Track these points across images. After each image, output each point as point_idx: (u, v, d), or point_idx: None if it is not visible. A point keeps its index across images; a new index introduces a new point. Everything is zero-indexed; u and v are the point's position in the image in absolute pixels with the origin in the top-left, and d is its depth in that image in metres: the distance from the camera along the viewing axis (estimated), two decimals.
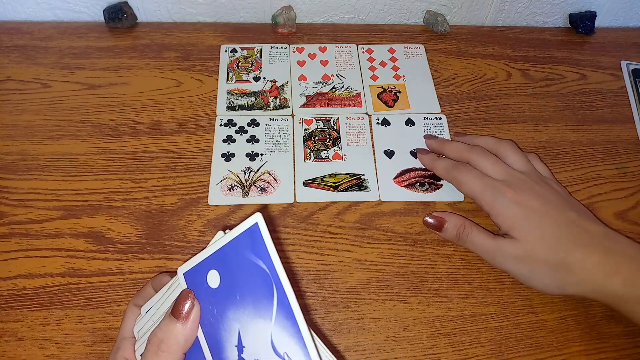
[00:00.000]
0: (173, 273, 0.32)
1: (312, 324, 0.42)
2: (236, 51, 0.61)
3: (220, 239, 0.28)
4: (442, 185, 0.50)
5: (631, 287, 0.37)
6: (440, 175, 0.48)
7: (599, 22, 0.67)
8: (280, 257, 0.26)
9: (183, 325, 0.28)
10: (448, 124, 0.55)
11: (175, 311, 0.28)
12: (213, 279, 0.28)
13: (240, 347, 0.27)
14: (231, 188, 0.49)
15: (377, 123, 0.55)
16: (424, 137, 0.53)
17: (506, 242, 0.40)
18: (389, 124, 0.55)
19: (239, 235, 0.27)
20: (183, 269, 0.30)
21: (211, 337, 0.28)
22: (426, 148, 0.52)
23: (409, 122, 0.55)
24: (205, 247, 0.29)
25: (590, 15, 0.65)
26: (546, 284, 0.40)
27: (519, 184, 0.42)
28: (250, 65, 0.59)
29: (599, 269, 0.38)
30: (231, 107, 0.55)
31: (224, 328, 0.27)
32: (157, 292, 0.34)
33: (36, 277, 0.44)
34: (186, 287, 0.29)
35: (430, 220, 0.45)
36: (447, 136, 0.54)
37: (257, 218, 0.26)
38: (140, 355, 0.31)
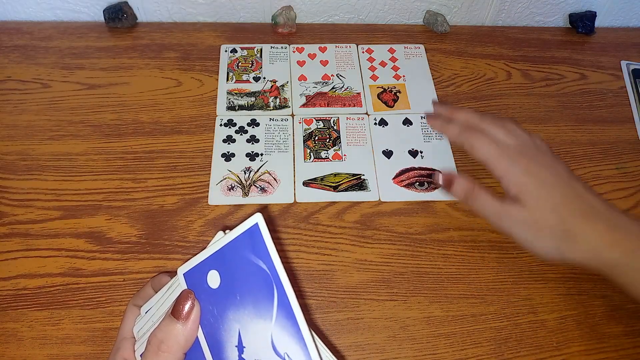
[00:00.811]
0: (172, 273, 0.32)
1: (312, 324, 0.42)
2: (236, 51, 0.61)
3: (220, 240, 0.28)
4: (441, 184, 0.50)
5: (630, 257, 0.39)
6: (452, 138, 0.48)
7: (599, 22, 0.67)
8: (280, 257, 0.26)
9: (183, 325, 0.28)
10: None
11: (175, 311, 0.28)
12: (213, 279, 0.28)
13: (240, 347, 0.27)
14: (231, 188, 0.49)
15: (375, 123, 0.55)
16: (432, 103, 0.56)
17: (515, 207, 0.42)
18: (386, 124, 0.55)
19: (239, 236, 0.27)
20: (183, 269, 0.30)
21: (211, 337, 0.28)
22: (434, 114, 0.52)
23: (407, 122, 0.55)
24: (205, 247, 0.29)
25: (590, 15, 0.65)
26: (548, 249, 0.41)
27: (529, 154, 0.44)
28: (250, 65, 0.59)
29: (602, 239, 0.40)
30: (231, 107, 0.55)
31: (224, 328, 0.27)
32: (156, 292, 0.34)
33: (36, 277, 0.44)
34: (186, 288, 0.29)
35: (440, 181, 0.47)
36: (445, 139, 0.54)
37: (257, 218, 0.26)
38: (140, 356, 0.31)
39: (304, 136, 0.53)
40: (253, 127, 0.54)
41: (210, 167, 0.51)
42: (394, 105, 0.57)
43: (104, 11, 0.62)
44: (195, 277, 0.29)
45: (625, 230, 0.40)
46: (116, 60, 0.59)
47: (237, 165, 0.51)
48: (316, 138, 0.53)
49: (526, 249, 0.42)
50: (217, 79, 0.58)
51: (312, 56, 0.61)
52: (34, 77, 0.57)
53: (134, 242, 0.46)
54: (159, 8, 0.63)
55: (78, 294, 0.43)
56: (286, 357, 0.26)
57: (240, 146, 0.52)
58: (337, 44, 0.62)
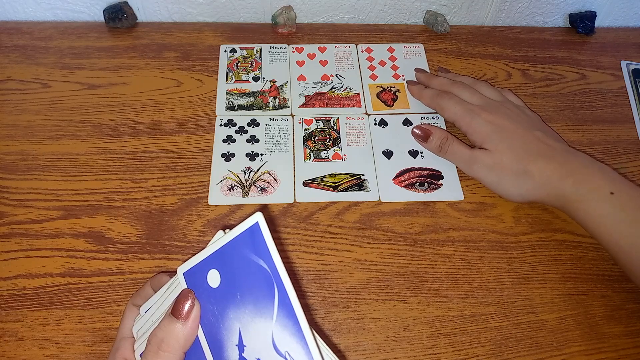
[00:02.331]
0: (172, 273, 0.32)
1: (312, 324, 0.42)
2: (235, 51, 0.61)
3: (221, 239, 0.28)
4: (441, 184, 0.50)
5: (579, 186, 0.43)
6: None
7: (599, 22, 0.67)
8: (280, 257, 0.26)
9: (183, 324, 0.28)
10: (446, 123, 0.55)
11: (175, 311, 0.28)
12: (213, 278, 0.28)
13: (241, 346, 0.27)
14: (231, 188, 0.49)
15: (375, 124, 0.55)
16: (415, 69, 0.59)
17: (480, 152, 0.48)
18: (386, 124, 0.55)
19: (239, 235, 0.27)
20: (183, 268, 0.30)
21: (212, 337, 0.28)
22: (415, 80, 0.58)
23: (407, 123, 0.55)
24: (205, 247, 0.29)
25: (590, 15, 0.65)
26: (510, 191, 0.47)
27: (492, 108, 0.50)
28: (249, 65, 0.59)
29: (555, 174, 0.44)
30: (231, 107, 0.55)
31: (224, 327, 0.27)
32: (156, 291, 0.34)
33: (36, 277, 0.44)
34: (186, 287, 0.29)
35: (417, 131, 0.52)
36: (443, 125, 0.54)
37: (258, 217, 0.26)
38: (140, 355, 0.31)
39: (303, 136, 0.53)
40: (253, 127, 0.54)
41: (210, 167, 0.51)
42: (393, 105, 0.57)
43: (103, 11, 0.62)
44: (195, 277, 0.29)
45: (577, 164, 0.45)
46: (116, 60, 0.59)
47: (237, 165, 0.51)
48: (316, 138, 0.53)
49: (494, 191, 0.48)
50: (217, 79, 0.58)
51: (311, 56, 0.61)
52: (34, 77, 0.57)
53: (134, 242, 0.46)
54: (159, 8, 0.63)
55: (78, 294, 0.43)
56: (287, 356, 0.26)
57: (240, 146, 0.52)
58: (337, 44, 0.62)
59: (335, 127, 0.54)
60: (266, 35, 0.63)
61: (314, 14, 0.65)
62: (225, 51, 0.61)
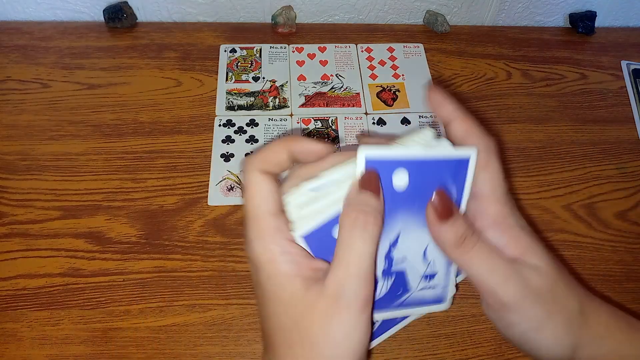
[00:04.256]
0: (318, 140, 0.28)
1: None
2: (235, 51, 0.61)
3: (425, 147, 0.26)
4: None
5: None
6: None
7: (599, 22, 0.67)
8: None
9: (379, 202, 0.25)
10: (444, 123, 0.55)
11: (368, 186, 0.25)
12: (401, 178, 0.26)
13: (394, 243, 0.26)
14: (230, 188, 0.49)
15: (373, 123, 0.55)
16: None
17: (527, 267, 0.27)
18: (385, 123, 0.55)
19: (447, 160, 0.26)
20: (368, 153, 0.25)
21: None
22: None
23: (405, 121, 0.55)
24: (389, 139, 0.27)
25: (590, 15, 0.65)
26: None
27: None
28: (249, 65, 0.59)
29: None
30: (230, 107, 0.55)
31: (387, 223, 0.26)
32: (289, 161, 0.28)
33: (36, 277, 0.43)
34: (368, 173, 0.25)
35: (438, 201, 0.27)
36: (444, 135, 0.54)
37: (472, 153, 0.26)
38: (298, 235, 0.25)
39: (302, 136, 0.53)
40: (252, 127, 0.54)
41: (210, 167, 0.51)
42: (393, 104, 0.57)
43: (103, 11, 0.62)
44: (380, 167, 0.25)
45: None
46: (116, 60, 0.59)
47: (236, 166, 0.51)
48: (314, 138, 0.53)
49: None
50: (217, 79, 0.58)
51: (311, 56, 0.61)
52: (34, 77, 0.57)
53: (133, 242, 0.46)
54: (158, 8, 0.63)
55: (78, 294, 0.43)
56: (432, 264, 0.27)
57: (240, 146, 0.52)
58: (337, 44, 0.62)
59: (333, 127, 0.54)
60: (266, 35, 0.63)
61: (314, 14, 0.65)
62: (225, 51, 0.61)
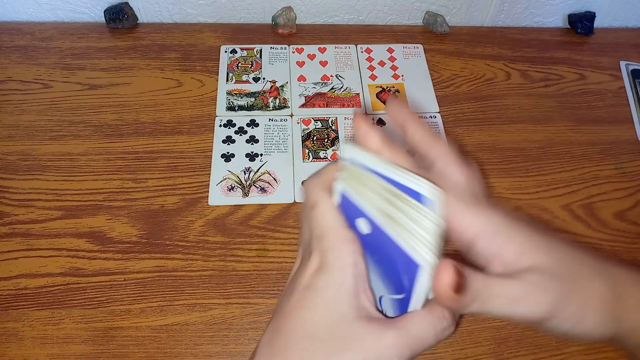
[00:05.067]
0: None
1: None
2: (236, 52, 0.61)
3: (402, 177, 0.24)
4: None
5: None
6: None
7: (598, 23, 0.67)
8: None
9: None
10: (443, 123, 0.55)
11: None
12: (364, 226, 0.24)
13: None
14: (231, 188, 0.49)
15: (373, 123, 0.55)
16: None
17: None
18: (384, 123, 0.55)
19: (401, 249, 0.23)
20: (342, 190, 0.24)
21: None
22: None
23: None
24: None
25: (590, 16, 0.66)
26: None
27: None
28: (250, 66, 0.60)
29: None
30: (231, 108, 0.56)
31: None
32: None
33: (37, 276, 0.44)
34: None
35: (448, 275, 0.22)
36: (442, 135, 0.54)
37: (425, 263, 0.22)
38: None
39: (302, 136, 0.53)
40: (252, 128, 0.54)
41: (211, 167, 0.51)
42: None
43: (104, 12, 0.62)
44: (348, 207, 0.25)
45: None
46: (117, 60, 0.59)
47: (236, 166, 0.51)
48: (314, 138, 0.53)
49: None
50: (218, 80, 0.58)
51: (311, 57, 0.61)
52: (35, 77, 0.57)
53: (134, 242, 0.46)
54: (159, 9, 0.63)
55: (79, 294, 0.43)
56: (385, 312, 0.25)
57: (240, 147, 0.52)
58: (337, 45, 0.62)
59: (333, 127, 0.54)
60: (266, 36, 0.63)
61: (314, 15, 0.65)
62: (226, 52, 0.61)
